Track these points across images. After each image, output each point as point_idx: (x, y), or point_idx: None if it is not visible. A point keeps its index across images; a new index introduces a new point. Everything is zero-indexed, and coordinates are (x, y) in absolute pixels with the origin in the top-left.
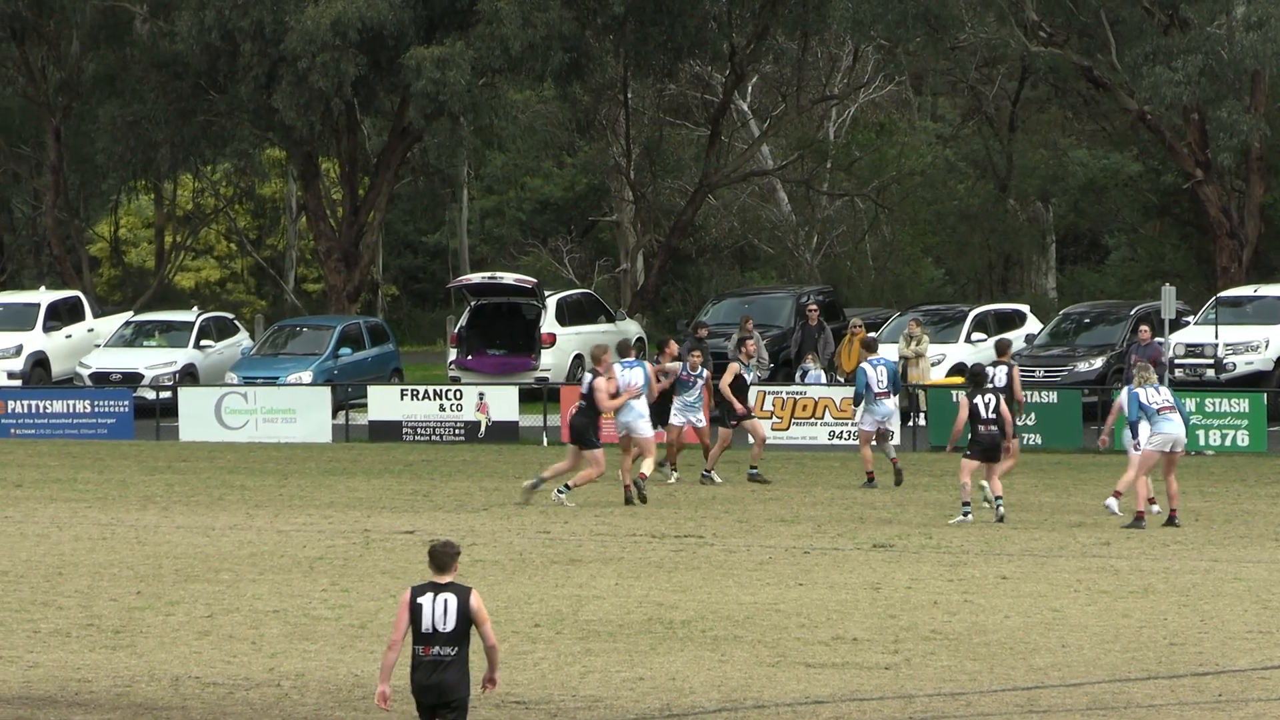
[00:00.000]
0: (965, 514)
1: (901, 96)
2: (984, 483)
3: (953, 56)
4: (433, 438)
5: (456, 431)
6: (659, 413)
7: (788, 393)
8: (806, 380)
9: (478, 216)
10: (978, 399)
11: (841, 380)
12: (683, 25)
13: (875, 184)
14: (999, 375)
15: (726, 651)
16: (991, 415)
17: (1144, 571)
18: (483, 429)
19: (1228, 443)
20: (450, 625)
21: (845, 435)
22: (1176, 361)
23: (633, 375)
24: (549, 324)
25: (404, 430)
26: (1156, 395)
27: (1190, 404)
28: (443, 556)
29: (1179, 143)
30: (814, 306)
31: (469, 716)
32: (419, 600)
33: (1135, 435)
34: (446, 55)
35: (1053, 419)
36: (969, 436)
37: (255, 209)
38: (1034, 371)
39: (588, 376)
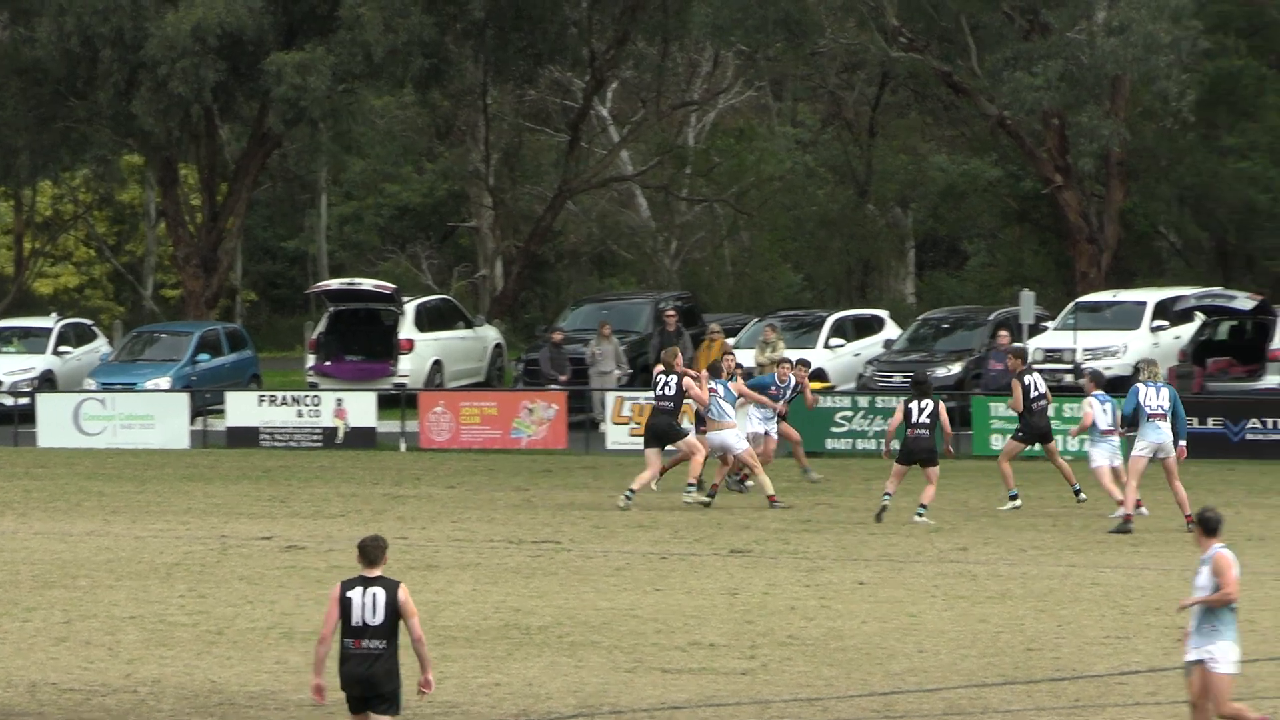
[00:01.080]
0: (883, 506)
1: (761, 102)
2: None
3: (813, 62)
4: (290, 444)
5: (314, 437)
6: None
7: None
8: None
9: (337, 222)
10: (912, 404)
11: None
12: (543, 31)
13: (734, 189)
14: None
15: (583, 657)
16: (924, 420)
17: (1001, 577)
18: (340, 435)
19: (1087, 447)
20: (379, 619)
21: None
22: (1035, 366)
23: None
24: (407, 330)
25: (262, 436)
26: (1155, 399)
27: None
28: (372, 551)
29: (1039, 148)
30: (672, 312)
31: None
32: (348, 594)
33: (1124, 427)
34: (307, 61)
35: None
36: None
37: (114, 215)
38: (892, 377)
39: (663, 378)
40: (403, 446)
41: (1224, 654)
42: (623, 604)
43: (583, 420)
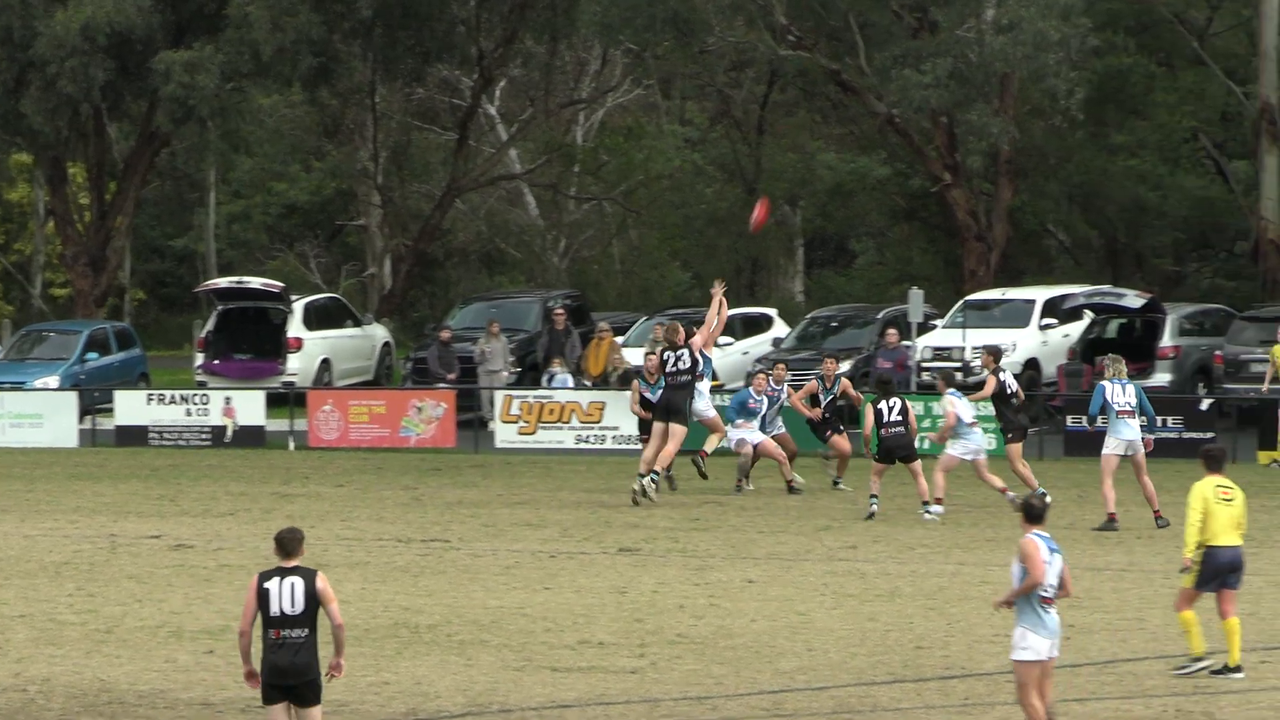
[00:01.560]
0: (871, 511)
1: (649, 100)
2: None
3: (701, 60)
4: (179, 442)
5: (203, 436)
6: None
7: (534, 396)
8: (553, 384)
9: (225, 221)
10: (881, 404)
11: (588, 384)
12: (431, 29)
13: (623, 188)
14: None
15: (472, 655)
16: (896, 419)
17: (891, 575)
18: (229, 433)
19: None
20: (299, 608)
21: (592, 439)
22: (924, 365)
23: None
24: (296, 329)
25: (150, 435)
26: (1121, 394)
27: (938, 408)
28: (289, 542)
29: (927, 146)
30: (561, 310)
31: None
32: (265, 585)
33: (1090, 425)
34: (195, 60)
35: (800, 423)
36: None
37: (2, 214)
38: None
39: (672, 355)
40: (291, 445)
41: (1018, 640)
42: (512, 602)
43: (471, 419)
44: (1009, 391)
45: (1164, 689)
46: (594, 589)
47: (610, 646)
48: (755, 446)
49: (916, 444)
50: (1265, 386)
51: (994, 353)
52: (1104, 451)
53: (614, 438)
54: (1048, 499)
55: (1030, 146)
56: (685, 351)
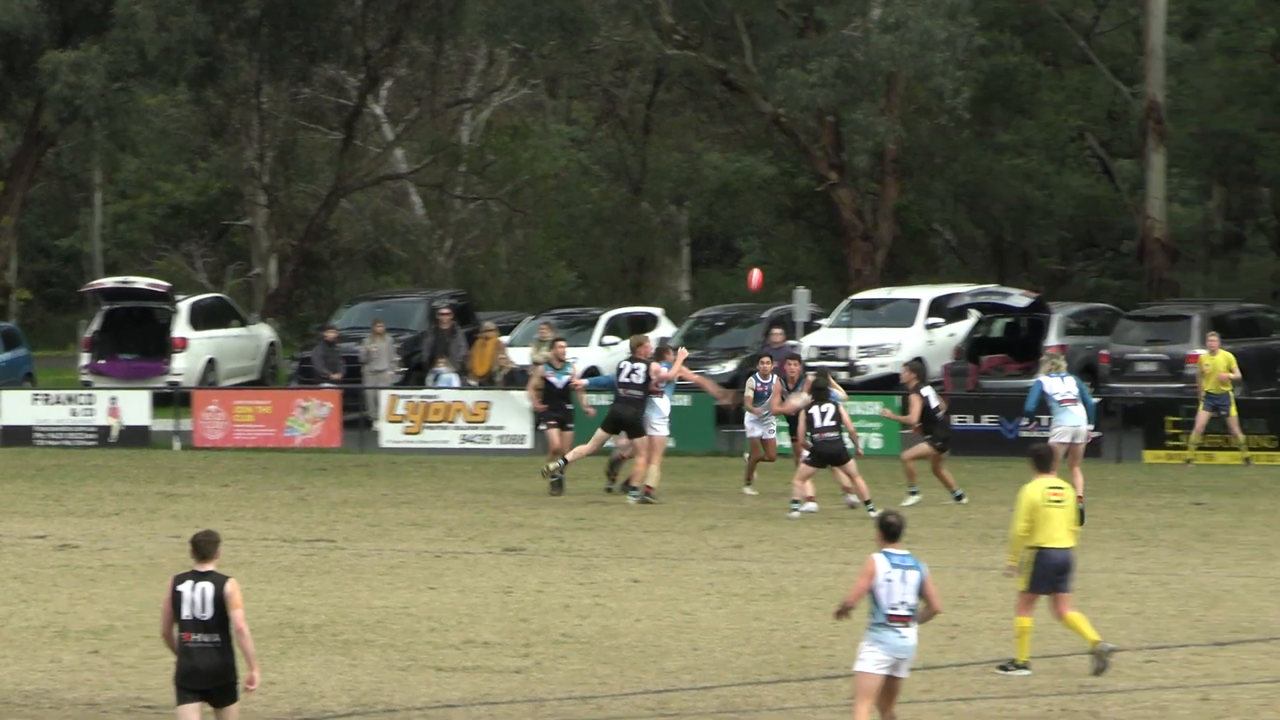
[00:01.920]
0: (793, 510)
1: (536, 100)
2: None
3: (587, 60)
4: (64, 442)
5: (88, 436)
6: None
7: (420, 396)
8: (438, 384)
9: (111, 221)
10: (814, 409)
11: (474, 384)
12: (318, 29)
13: (509, 187)
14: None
15: (357, 655)
16: (830, 423)
17: (776, 574)
18: (114, 433)
19: (861, 445)
20: (208, 613)
21: (477, 439)
22: (810, 364)
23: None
24: (181, 328)
25: (35, 435)
26: (1061, 385)
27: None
28: (205, 545)
29: (813, 145)
30: (446, 310)
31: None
32: (179, 588)
33: (1028, 420)
34: (82, 59)
35: (686, 422)
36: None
37: None
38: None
39: (628, 365)
40: (177, 445)
41: (860, 650)
42: (397, 602)
43: (357, 419)
44: (932, 407)
45: (1049, 688)
46: (479, 589)
47: (495, 646)
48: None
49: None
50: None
51: (916, 370)
52: (1050, 440)
53: (500, 437)
54: (964, 500)
55: (916, 146)
56: (642, 366)
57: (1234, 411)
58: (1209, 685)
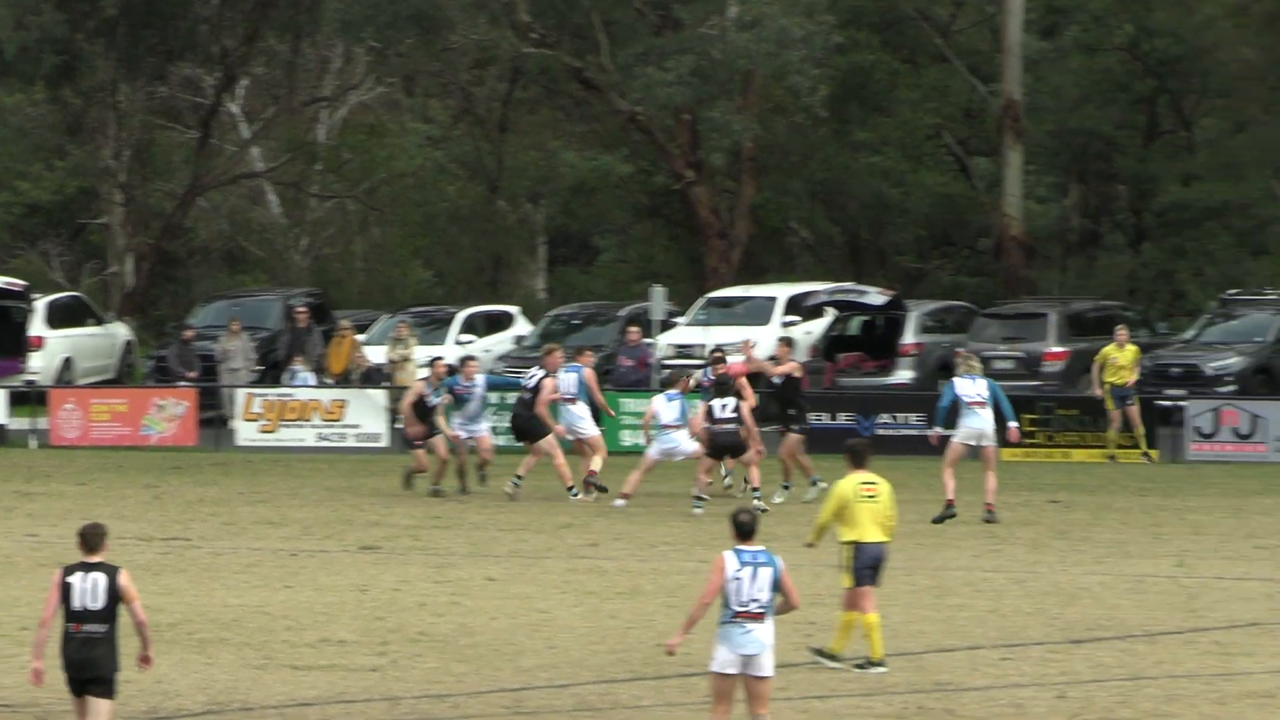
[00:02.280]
0: (697, 506)
1: (393, 98)
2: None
3: (444, 58)
4: None
5: None
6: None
7: (276, 395)
8: (295, 382)
9: None
10: (714, 401)
11: (330, 382)
12: (174, 28)
13: (365, 186)
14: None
15: (213, 654)
16: (729, 415)
17: (632, 572)
18: None
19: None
20: (100, 603)
21: (333, 438)
22: (665, 362)
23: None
24: (37, 327)
25: None
26: (971, 387)
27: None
28: (92, 537)
29: (670, 144)
30: (303, 309)
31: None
32: (69, 579)
33: (940, 424)
34: None
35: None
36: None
37: None
38: (522, 373)
39: (537, 373)
40: (33, 444)
41: (713, 651)
42: (253, 601)
43: (213, 417)
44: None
45: (905, 686)
46: (335, 587)
47: (351, 644)
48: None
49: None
50: (1098, 391)
51: (787, 341)
52: (952, 440)
53: (356, 436)
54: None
55: (773, 144)
56: (540, 374)
57: (1137, 403)
58: (1065, 683)
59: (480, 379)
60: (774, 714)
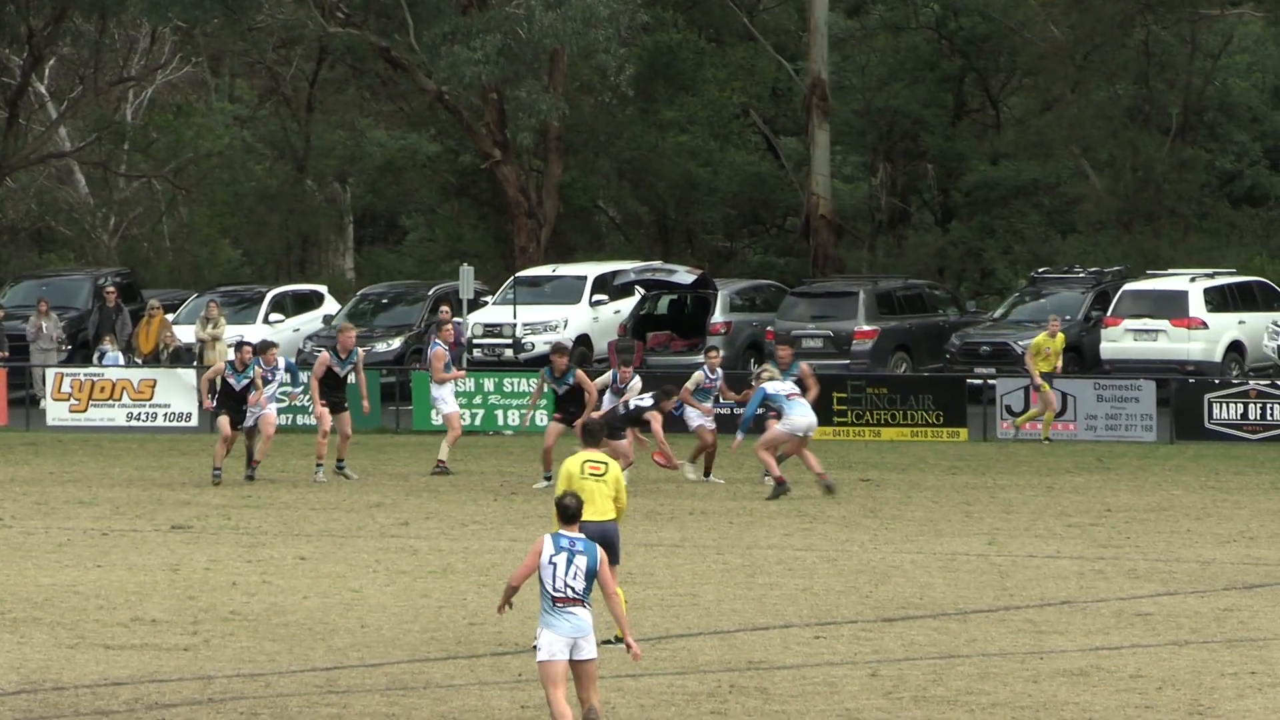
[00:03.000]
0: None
1: (200, 78)
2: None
3: (250, 38)
4: None
5: None
6: None
7: (85, 374)
8: (104, 362)
9: None
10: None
11: (139, 362)
12: None
13: (173, 165)
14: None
15: (25, 634)
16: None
17: (443, 552)
18: None
19: (527, 423)
20: None
21: (143, 417)
22: (475, 341)
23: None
24: None
25: None
26: (782, 385)
27: (489, 384)
28: None
29: (477, 123)
30: (112, 289)
31: None
32: None
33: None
34: None
35: (353, 399)
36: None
37: None
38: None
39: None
40: None
41: (537, 639)
42: (65, 580)
43: (22, 397)
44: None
45: (718, 664)
46: (146, 566)
47: (163, 624)
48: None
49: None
50: (1036, 379)
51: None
52: (779, 428)
53: (165, 415)
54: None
55: (580, 123)
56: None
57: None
58: (878, 661)
59: (282, 362)
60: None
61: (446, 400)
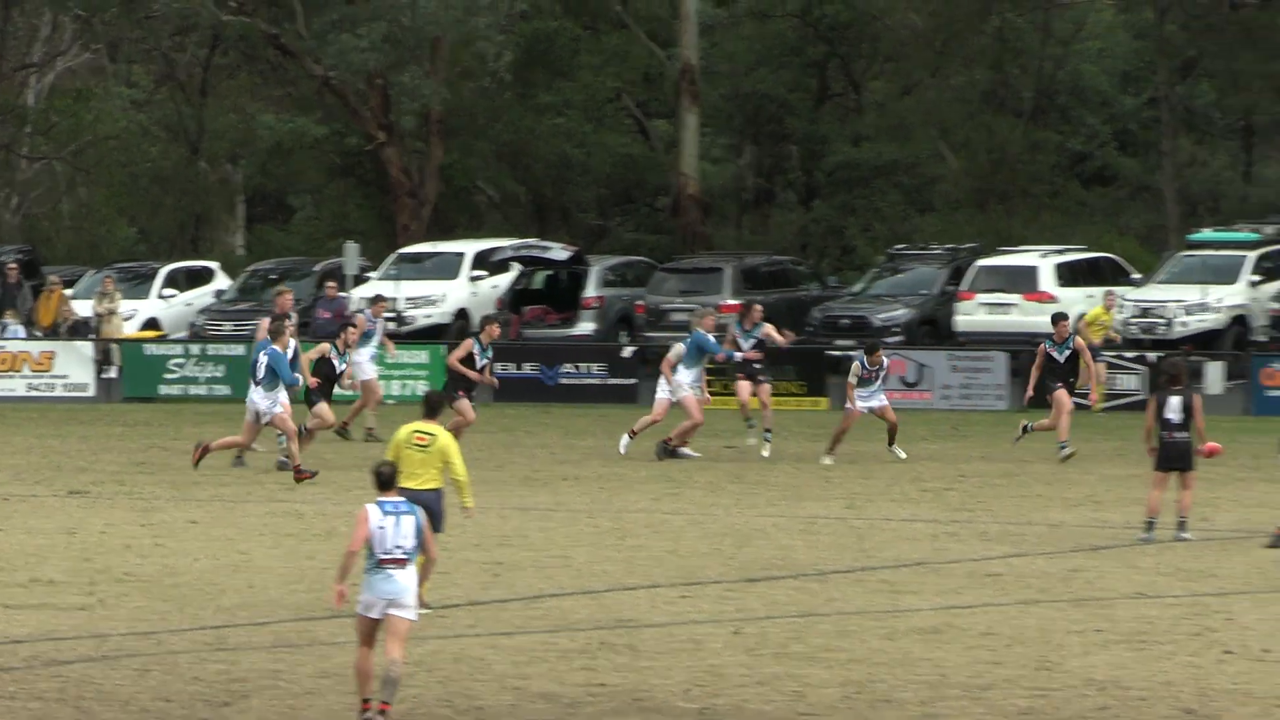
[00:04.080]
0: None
1: (98, 64)
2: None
3: (146, 26)
4: None
5: None
6: None
7: None
8: (5, 335)
9: None
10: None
11: (39, 335)
12: None
13: (72, 148)
14: None
15: None
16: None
17: (328, 515)
18: None
19: (408, 392)
20: None
21: (42, 388)
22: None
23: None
24: None
25: None
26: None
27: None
28: None
29: (363, 107)
30: (14, 265)
31: None
32: None
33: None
34: None
35: (240, 371)
36: None
37: None
38: (222, 326)
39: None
40: None
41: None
42: None
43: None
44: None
45: (588, 623)
46: (44, 530)
47: (61, 585)
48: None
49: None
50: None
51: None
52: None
53: (64, 385)
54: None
55: (461, 107)
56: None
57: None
58: (741, 619)
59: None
60: (464, 650)
61: (365, 368)
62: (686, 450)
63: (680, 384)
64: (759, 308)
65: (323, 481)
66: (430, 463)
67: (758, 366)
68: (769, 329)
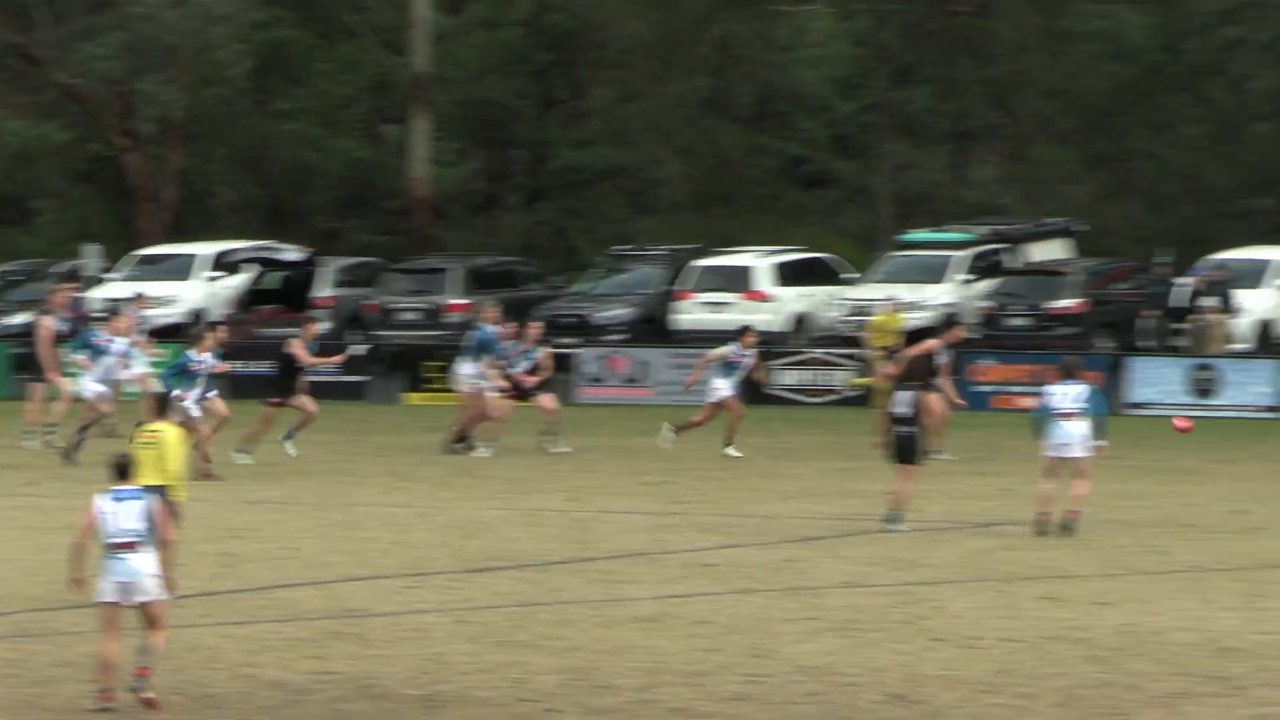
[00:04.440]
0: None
1: None
2: None
3: None
4: None
5: None
6: None
7: None
8: None
9: None
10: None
11: None
12: None
13: None
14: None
15: None
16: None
17: (70, 509)
18: None
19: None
20: None
21: None
22: (97, 315)
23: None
24: None
25: None
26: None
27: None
28: None
29: (105, 114)
30: None
31: None
32: None
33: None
34: None
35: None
36: None
37: None
38: None
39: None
40: None
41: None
42: None
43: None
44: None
45: (317, 612)
46: None
47: None
48: None
49: None
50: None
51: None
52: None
53: None
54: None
55: (200, 114)
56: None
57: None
58: (465, 609)
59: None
60: (198, 640)
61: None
62: (478, 444)
63: (474, 379)
64: (536, 326)
65: (66, 477)
66: (154, 461)
67: (530, 389)
68: (542, 356)
